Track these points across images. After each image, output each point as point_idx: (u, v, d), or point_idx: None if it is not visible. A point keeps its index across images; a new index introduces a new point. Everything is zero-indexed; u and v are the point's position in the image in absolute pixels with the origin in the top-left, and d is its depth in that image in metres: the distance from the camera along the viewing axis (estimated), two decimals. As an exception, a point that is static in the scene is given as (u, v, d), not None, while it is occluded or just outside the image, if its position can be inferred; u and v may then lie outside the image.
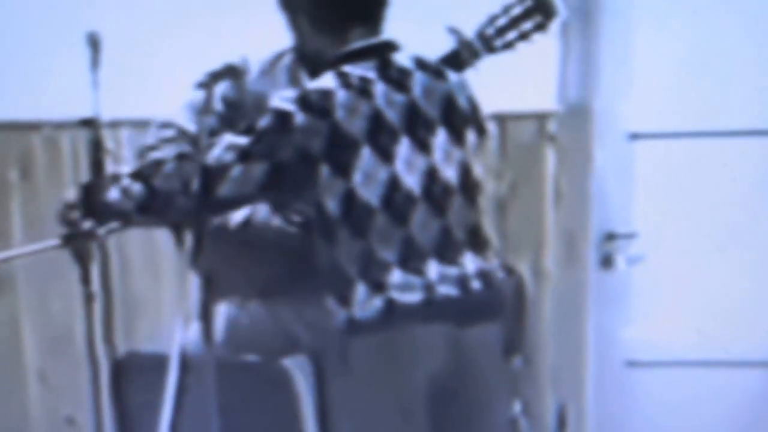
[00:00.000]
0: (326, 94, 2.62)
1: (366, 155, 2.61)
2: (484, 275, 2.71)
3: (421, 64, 2.71)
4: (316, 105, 2.61)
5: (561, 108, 3.66)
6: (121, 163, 3.37)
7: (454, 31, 2.73)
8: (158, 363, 3.04)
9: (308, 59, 2.92)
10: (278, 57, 3.06)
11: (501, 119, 3.59)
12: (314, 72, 2.92)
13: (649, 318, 3.69)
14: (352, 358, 2.64)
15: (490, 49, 2.70)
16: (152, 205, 2.67)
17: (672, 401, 3.66)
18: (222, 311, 2.99)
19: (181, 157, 2.68)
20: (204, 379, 2.72)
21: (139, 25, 3.68)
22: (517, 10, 2.71)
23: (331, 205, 2.62)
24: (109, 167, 2.93)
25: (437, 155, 2.66)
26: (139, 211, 2.68)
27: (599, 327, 3.70)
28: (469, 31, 2.75)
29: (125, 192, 2.69)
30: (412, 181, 2.64)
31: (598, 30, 3.64)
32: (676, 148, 3.67)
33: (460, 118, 2.71)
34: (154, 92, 3.61)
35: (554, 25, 2.72)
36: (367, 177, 2.61)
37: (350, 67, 2.66)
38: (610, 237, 3.68)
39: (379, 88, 2.65)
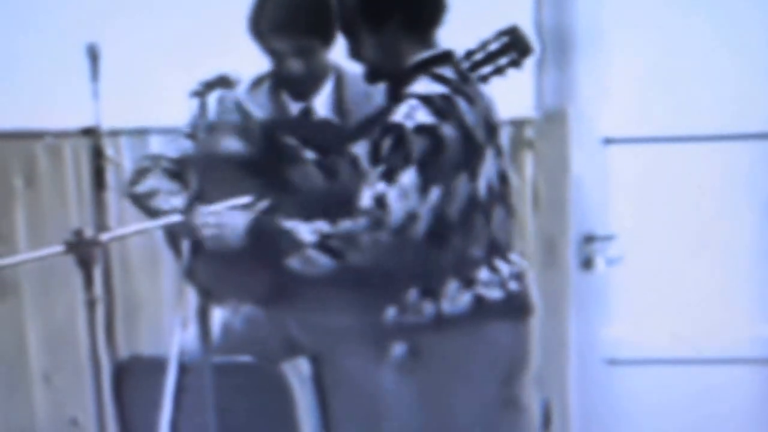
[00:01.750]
0: (449, 100, 2.62)
1: (489, 159, 2.66)
2: (517, 275, 2.80)
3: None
4: (448, 113, 2.61)
5: (538, 114, 3.71)
6: (122, 171, 3.44)
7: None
8: (159, 366, 3.00)
9: (289, 82, 2.99)
10: (258, 81, 3.13)
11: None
12: (299, 93, 3.02)
13: (628, 317, 3.75)
14: (435, 351, 2.68)
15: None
16: (342, 276, 2.65)
17: (651, 397, 3.71)
18: (216, 315, 2.99)
19: (370, 229, 2.61)
20: (201, 381, 2.70)
21: (138, 37, 3.69)
22: (493, 46, 2.75)
23: (454, 211, 2.64)
24: (110, 175, 3.01)
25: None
26: (326, 278, 2.67)
27: (580, 326, 3.75)
28: None
29: (309, 262, 2.67)
30: (496, 184, 2.71)
31: (572, 41, 3.69)
32: (649, 151, 3.73)
33: (498, 126, 2.79)
34: (153, 102, 3.68)
35: (528, 61, 2.76)
36: (487, 181, 2.66)
37: (442, 70, 2.67)
38: (589, 239, 3.73)
39: (471, 92, 2.68)
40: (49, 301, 3.92)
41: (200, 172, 2.81)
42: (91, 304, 2.67)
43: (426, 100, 2.61)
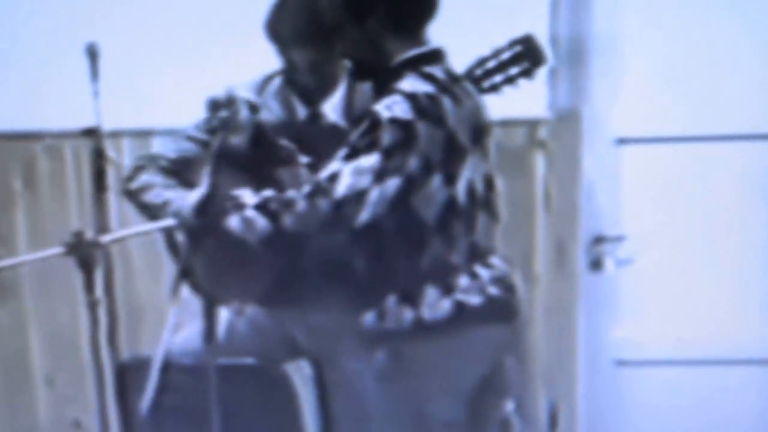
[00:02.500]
0: (434, 100, 2.60)
1: (471, 163, 2.63)
2: (499, 279, 2.80)
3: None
4: (430, 112, 2.59)
5: (551, 114, 3.71)
6: (123, 172, 3.45)
7: None
8: (161, 366, 3.03)
9: (302, 88, 3.00)
10: (266, 80, 3.14)
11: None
12: (309, 100, 3.02)
13: (637, 319, 3.75)
14: (415, 358, 2.69)
15: (477, 89, 2.73)
16: (279, 243, 2.65)
17: (659, 399, 3.72)
18: (221, 316, 3.03)
19: (311, 195, 2.61)
20: (204, 381, 2.73)
21: (139, 37, 3.70)
22: (506, 55, 2.75)
23: (429, 213, 2.63)
24: (111, 176, 2.98)
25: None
26: (263, 245, 2.66)
27: (589, 328, 3.76)
28: (460, 69, 2.76)
29: (248, 223, 2.67)
30: (480, 189, 2.70)
31: (586, 41, 3.69)
32: (662, 152, 3.72)
33: (486, 128, 2.76)
34: (154, 102, 3.68)
35: (541, 72, 2.76)
36: (467, 185, 2.64)
37: (430, 69, 2.65)
38: (599, 240, 3.73)
39: (460, 92, 2.66)
40: (50, 302, 3.94)
41: (214, 170, 2.83)
42: (92, 306, 2.67)
43: (410, 97, 2.60)
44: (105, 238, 2.73)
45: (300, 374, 3.08)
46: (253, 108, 3.13)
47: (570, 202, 3.73)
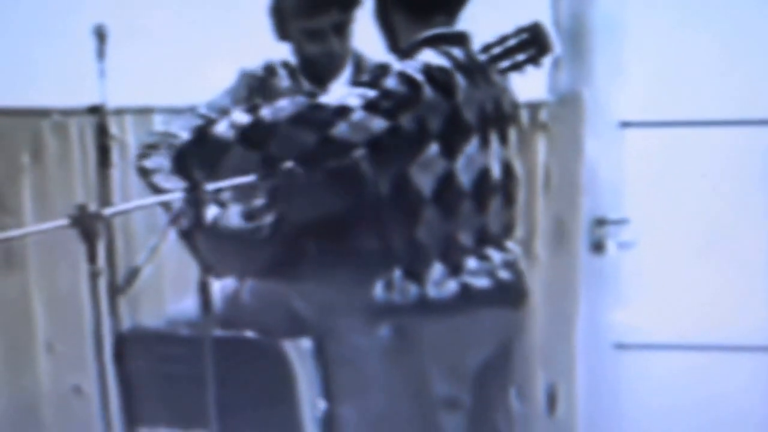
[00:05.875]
0: (447, 73, 2.68)
1: (475, 142, 2.70)
2: (510, 264, 2.87)
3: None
4: (440, 82, 2.66)
5: (553, 97, 3.76)
6: (126, 149, 3.61)
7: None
8: (159, 336, 3.24)
9: (315, 64, 3.09)
10: (271, 69, 3.24)
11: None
12: (318, 79, 3.11)
13: (637, 302, 3.82)
14: (419, 335, 2.75)
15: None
16: (254, 134, 2.70)
17: (658, 382, 3.79)
18: (220, 286, 3.15)
19: (308, 95, 2.70)
20: (201, 352, 2.81)
21: (144, 17, 3.79)
22: (512, 42, 2.77)
23: (425, 184, 2.69)
24: (114, 152, 3.15)
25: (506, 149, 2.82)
26: (241, 140, 2.71)
27: (589, 310, 3.83)
28: None
29: (232, 123, 2.74)
30: (496, 173, 2.77)
31: (589, 24, 3.75)
32: (666, 136, 3.78)
33: (505, 117, 2.85)
34: (158, 82, 3.81)
35: (547, 60, 2.77)
36: (468, 162, 2.70)
37: (450, 48, 2.74)
38: (601, 222, 3.79)
39: (478, 76, 2.75)
40: (54, 272, 4.06)
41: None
42: (94, 276, 2.72)
43: (424, 64, 2.69)
44: (108, 211, 2.79)
45: (297, 349, 3.16)
46: (293, 73, 3.23)
47: (572, 185, 3.79)
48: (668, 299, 3.80)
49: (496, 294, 2.81)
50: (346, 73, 3.19)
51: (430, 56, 2.71)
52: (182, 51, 3.82)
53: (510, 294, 2.85)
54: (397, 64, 2.70)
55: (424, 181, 2.69)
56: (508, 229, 2.87)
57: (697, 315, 3.78)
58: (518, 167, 2.90)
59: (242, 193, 3.06)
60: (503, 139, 2.83)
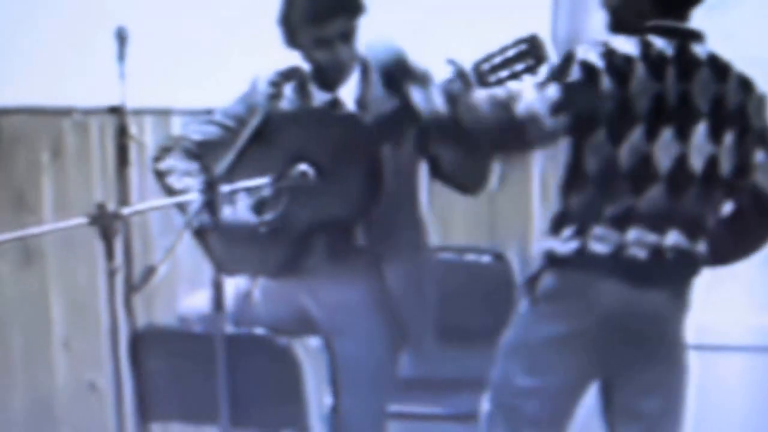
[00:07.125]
0: (628, 61, 2.77)
1: (638, 133, 2.79)
2: (682, 252, 2.89)
3: (713, 61, 2.88)
4: (620, 70, 2.76)
5: None
6: (144, 149, 3.67)
7: (452, 62, 2.91)
8: (173, 334, 3.34)
9: (325, 71, 3.20)
10: (284, 75, 3.32)
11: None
12: (328, 85, 3.22)
13: None
14: (539, 286, 2.86)
15: (483, 82, 2.90)
16: (451, 132, 2.85)
17: None
18: (233, 284, 3.22)
19: (496, 103, 2.81)
20: (213, 348, 2.88)
21: (164, 19, 3.87)
22: (511, 52, 2.87)
23: (591, 163, 2.80)
24: (133, 152, 3.20)
25: (692, 145, 2.84)
26: (440, 132, 2.88)
27: None
28: (467, 63, 2.91)
29: (428, 99, 2.87)
30: (663, 163, 2.81)
31: (585, 33, 3.83)
32: None
33: (730, 120, 2.88)
34: (176, 84, 3.89)
35: (543, 69, 2.85)
36: (632, 150, 2.79)
37: (653, 38, 2.82)
38: None
39: (669, 70, 2.82)
40: (72, 269, 4.12)
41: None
42: (111, 274, 2.81)
43: (609, 50, 2.79)
44: (126, 210, 2.89)
45: (304, 346, 3.24)
46: (302, 82, 3.30)
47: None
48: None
49: (616, 265, 2.85)
50: (355, 78, 3.28)
51: (625, 43, 2.81)
52: (201, 55, 3.89)
53: (629, 268, 2.86)
54: (581, 51, 2.81)
55: (590, 161, 2.81)
56: (663, 217, 2.88)
57: (710, 315, 3.72)
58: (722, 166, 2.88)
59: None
60: (717, 137, 2.87)
